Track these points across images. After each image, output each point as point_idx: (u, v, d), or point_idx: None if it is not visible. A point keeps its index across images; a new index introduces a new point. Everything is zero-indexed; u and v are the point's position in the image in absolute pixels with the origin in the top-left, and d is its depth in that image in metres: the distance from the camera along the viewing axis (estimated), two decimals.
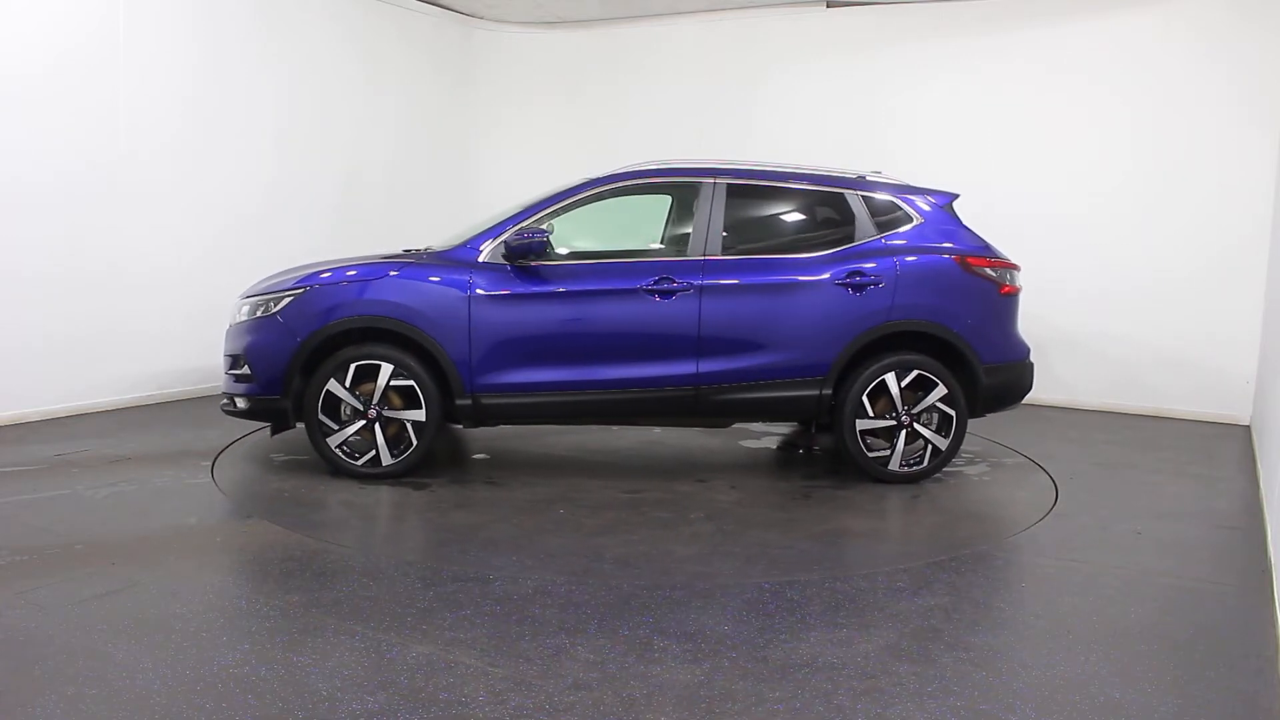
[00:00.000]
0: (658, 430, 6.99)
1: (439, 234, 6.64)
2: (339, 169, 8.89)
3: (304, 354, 5.52)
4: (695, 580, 4.20)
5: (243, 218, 8.01)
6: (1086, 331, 8.29)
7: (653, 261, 5.77)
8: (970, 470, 6.21)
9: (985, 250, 5.88)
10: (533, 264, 5.60)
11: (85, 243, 6.92)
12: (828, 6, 9.10)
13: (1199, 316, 7.96)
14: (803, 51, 9.26)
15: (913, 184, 6.09)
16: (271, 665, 3.26)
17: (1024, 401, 6.11)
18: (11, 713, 2.92)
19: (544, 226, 5.66)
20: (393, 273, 5.61)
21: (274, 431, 5.85)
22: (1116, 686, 3.29)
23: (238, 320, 5.80)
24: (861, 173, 6.13)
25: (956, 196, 6.06)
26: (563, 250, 6.06)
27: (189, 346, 7.67)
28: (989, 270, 5.80)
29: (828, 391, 5.68)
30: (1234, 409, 7.90)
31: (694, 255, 5.69)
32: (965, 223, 6.00)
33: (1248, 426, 7.77)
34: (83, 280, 6.92)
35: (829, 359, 5.65)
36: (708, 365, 5.62)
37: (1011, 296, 5.90)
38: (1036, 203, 8.34)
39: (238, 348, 5.73)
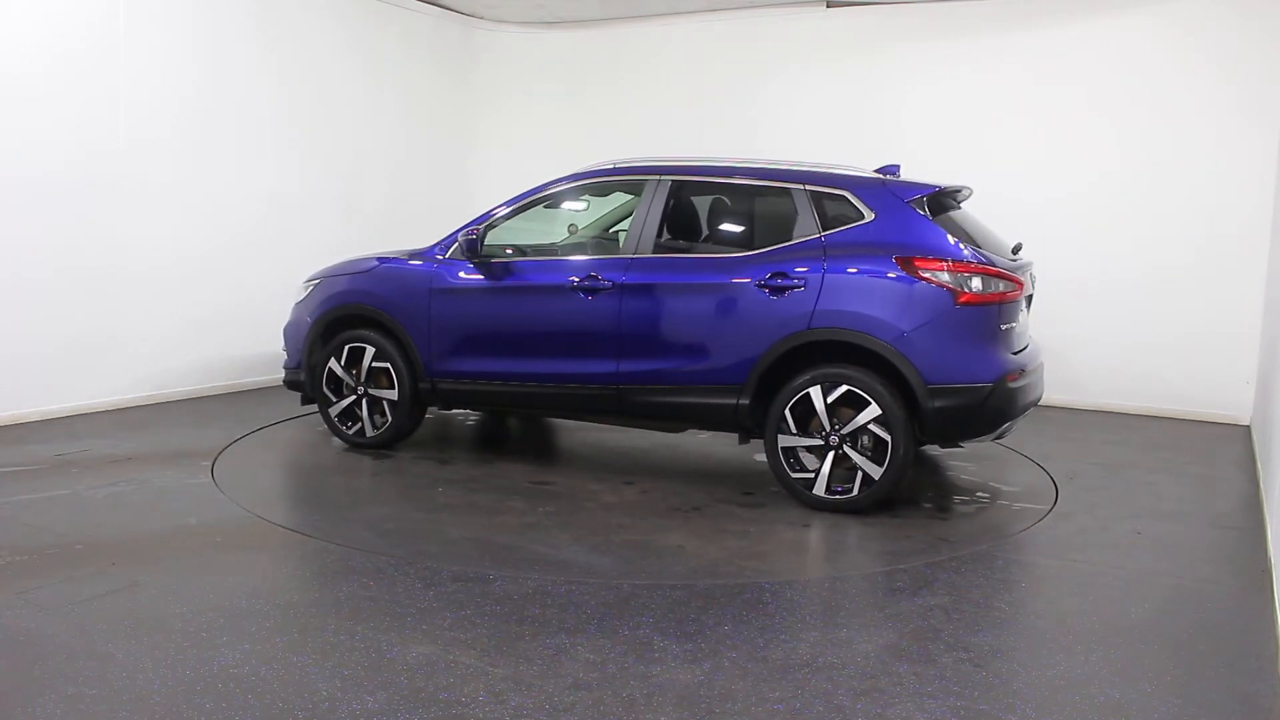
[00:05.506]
0: (703, 435, 6.56)
1: (438, 233, 6.65)
2: (339, 168, 8.88)
3: (315, 335, 6.26)
4: (420, 558, 4.31)
5: (243, 217, 8.00)
6: (1086, 331, 8.28)
7: (586, 259, 5.82)
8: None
9: (943, 251, 5.04)
10: (492, 261, 5.88)
11: (85, 243, 6.90)
12: (828, 6, 9.10)
13: (1199, 316, 7.94)
14: (803, 51, 9.25)
15: (886, 178, 5.40)
16: (271, 665, 3.27)
17: None
18: (11, 713, 2.92)
19: (478, 225, 5.89)
20: (377, 266, 6.21)
21: (303, 401, 6.49)
22: (1116, 686, 3.29)
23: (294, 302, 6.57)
24: (834, 166, 5.70)
25: (933, 190, 5.32)
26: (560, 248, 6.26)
27: (189, 347, 7.67)
28: (943, 275, 4.99)
29: (745, 401, 5.28)
30: (1234, 409, 7.89)
31: (624, 253, 5.64)
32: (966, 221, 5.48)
33: (1248, 426, 7.76)
34: (83, 280, 6.91)
35: (746, 367, 5.25)
36: (628, 365, 5.52)
37: (976, 307, 5.01)
38: (1035, 202, 8.32)
39: (284, 327, 6.56)
